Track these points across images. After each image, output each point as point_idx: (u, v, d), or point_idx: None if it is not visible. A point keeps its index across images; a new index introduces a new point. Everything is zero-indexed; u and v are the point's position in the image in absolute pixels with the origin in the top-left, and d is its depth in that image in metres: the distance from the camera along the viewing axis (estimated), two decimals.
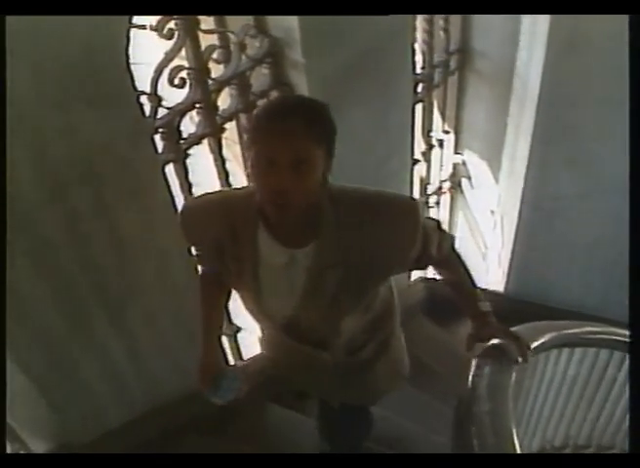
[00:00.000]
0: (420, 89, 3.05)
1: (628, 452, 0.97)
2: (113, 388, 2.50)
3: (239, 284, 1.65)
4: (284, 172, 1.32)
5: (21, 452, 2.58)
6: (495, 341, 1.87)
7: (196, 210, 1.67)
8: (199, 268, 1.89)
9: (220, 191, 1.75)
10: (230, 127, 2.35)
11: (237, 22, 2.24)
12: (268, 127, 1.34)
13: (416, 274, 3.67)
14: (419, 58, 2.98)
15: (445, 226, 3.92)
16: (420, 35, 2.95)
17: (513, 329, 1.94)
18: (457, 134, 3.50)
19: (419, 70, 3.01)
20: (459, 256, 1.82)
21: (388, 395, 2.07)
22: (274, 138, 1.33)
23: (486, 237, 3.80)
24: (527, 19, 2.84)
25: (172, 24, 1.98)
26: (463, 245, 3.95)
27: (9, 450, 2.53)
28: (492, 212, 3.61)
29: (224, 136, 2.34)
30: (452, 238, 1.78)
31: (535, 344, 2.08)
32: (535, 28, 2.81)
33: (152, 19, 2.06)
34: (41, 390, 2.31)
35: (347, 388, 1.96)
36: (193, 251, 1.89)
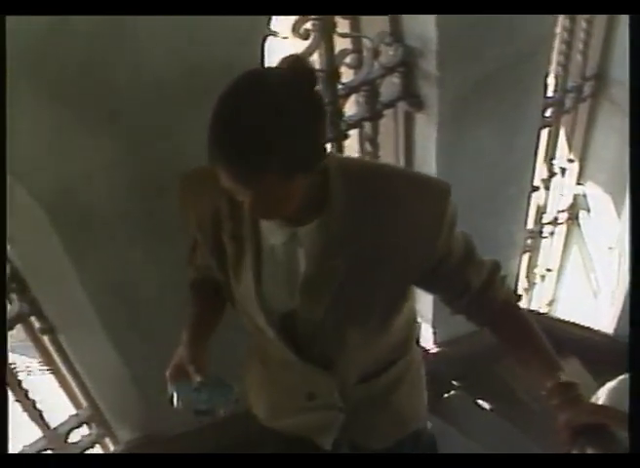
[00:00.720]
0: (548, 113, 2.92)
1: (628, 452, 0.90)
2: None
3: (238, 270, 1.38)
4: (254, 205, 1.13)
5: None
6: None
7: (196, 178, 1.42)
8: (190, 271, 1.63)
9: None
10: (353, 134, 2.30)
11: (372, 29, 2.20)
12: (217, 165, 1.09)
13: (521, 304, 3.51)
14: (551, 80, 2.85)
15: (558, 258, 3.80)
16: (555, 57, 2.82)
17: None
18: (581, 163, 3.33)
19: (550, 94, 2.88)
20: (518, 307, 1.49)
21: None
22: (227, 180, 1.10)
23: (599, 274, 3.61)
24: None
25: (309, 25, 1.95)
26: (575, 280, 3.78)
27: (93, 433, 2.57)
28: (610, 248, 3.43)
29: (345, 143, 2.30)
30: (513, 295, 1.48)
31: None
32: None
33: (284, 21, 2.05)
34: (135, 378, 2.32)
35: (353, 426, 1.62)
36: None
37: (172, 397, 1.35)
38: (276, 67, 1.15)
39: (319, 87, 1.28)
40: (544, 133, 3.01)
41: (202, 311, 1.54)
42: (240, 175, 1.07)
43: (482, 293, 1.42)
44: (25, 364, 8.18)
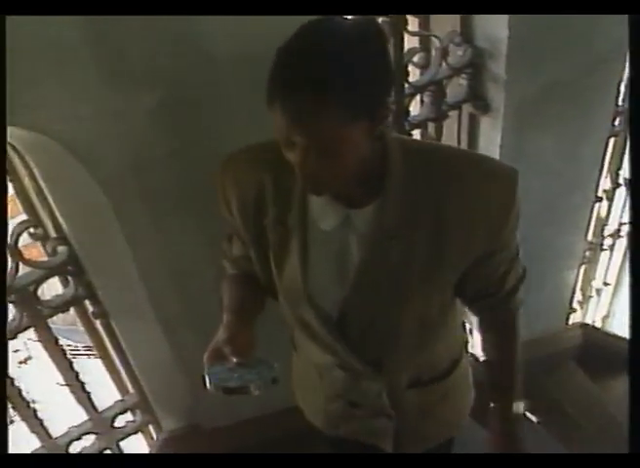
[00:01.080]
0: (617, 122, 2.82)
1: (628, 452, 0.90)
2: None
3: (281, 259, 1.27)
4: (309, 156, 1.01)
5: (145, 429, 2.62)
6: None
7: (239, 159, 1.31)
8: (226, 265, 1.52)
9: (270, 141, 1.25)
10: (415, 134, 2.26)
11: (442, 28, 2.15)
12: (277, 100, 0.99)
13: (574, 318, 3.43)
14: (623, 88, 2.75)
15: (616, 272, 3.69)
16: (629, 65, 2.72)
17: None
18: None
19: (620, 102, 2.78)
20: (517, 319, 1.46)
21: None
22: (285, 117, 0.98)
23: None
24: None
25: (379, 21, 1.92)
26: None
27: (138, 420, 2.58)
28: None
29: None
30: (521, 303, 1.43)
31: None
32: None
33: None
34: (184, 367, 2.32)
35: (404, 432, 1.55)
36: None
37: (204, 378, 1.23)
38: (348, 19, 1.08)
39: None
40: (611, 142, 2.92)
41: (241, 297, 1.40)
42: (299, 110, 0.97)
43: (508, 297, 1.38)
44: (70, 348, 8.37)
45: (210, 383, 1.21)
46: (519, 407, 1.50)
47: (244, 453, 1.26)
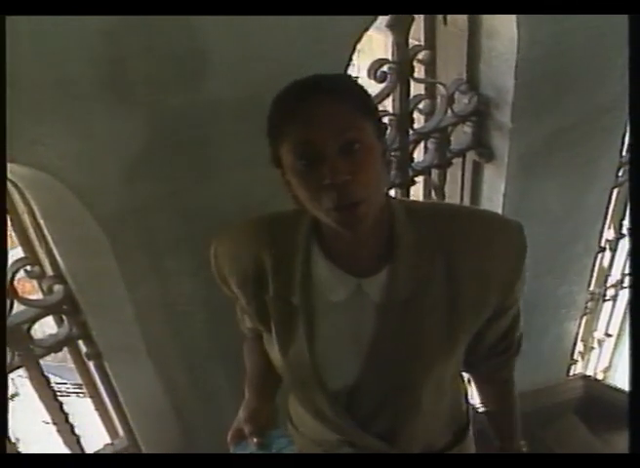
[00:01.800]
0: (621, 173, 2.81)
1: (628, 452, 0.85)
2: None
3: (284, 337, 1.21)
4: (336, 162, 0.99)
5: None
6: None
7: (231, 235, 1.29)
8: (244, 330, 1.52)
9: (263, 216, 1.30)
10: (419, 181, 2.25)
11: (448, 75, 2.15)
12: (296, 113, 1.01)
13: (576, 369, 3.38)
14: (628, 139, 2.76)
15: (618, 323, 3.65)
16: None
17: None
18: None
19: (624, 153, 2.78)
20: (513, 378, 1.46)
21: None
22: (308, 124, 1.00)
23: None
24: None
25: (385, 68, 1.92)
26: None
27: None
28: None
29: (411, 190, 2.25)
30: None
31: None
32: None
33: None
34: (176, 412, 2.27)
35: None
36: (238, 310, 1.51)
37: None
38: None
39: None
40: (615, 192, 2.91)
41: (262, 367, 1.39)
42: (325, 105, 1.01)
43: (517, 353, 1.37)
44: (59, 385, 8.23)
45: None
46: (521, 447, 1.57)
47: (245, 454, 1.23)
